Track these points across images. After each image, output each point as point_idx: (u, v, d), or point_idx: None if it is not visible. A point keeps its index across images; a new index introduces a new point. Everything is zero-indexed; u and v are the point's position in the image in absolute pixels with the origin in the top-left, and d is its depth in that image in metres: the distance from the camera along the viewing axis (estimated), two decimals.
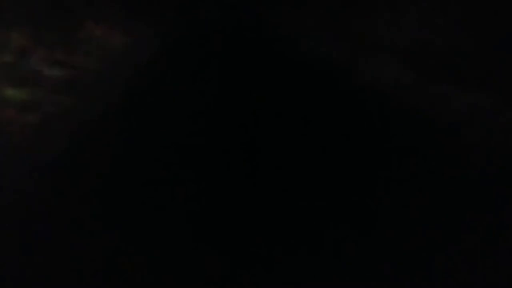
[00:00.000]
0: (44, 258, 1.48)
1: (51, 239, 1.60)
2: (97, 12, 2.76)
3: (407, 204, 1.82)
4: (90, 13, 2.73)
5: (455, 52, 2.25)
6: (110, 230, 1.66)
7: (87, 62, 2.68)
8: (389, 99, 2.56)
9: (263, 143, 2.49)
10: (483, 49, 2.09)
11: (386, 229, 1.66)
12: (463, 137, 2.18)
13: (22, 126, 2.23)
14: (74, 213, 1.79)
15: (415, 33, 2.48)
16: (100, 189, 2.00)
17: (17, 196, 1.91)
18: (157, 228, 1.68)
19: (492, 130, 2.05)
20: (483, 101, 2.13)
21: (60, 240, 1.59)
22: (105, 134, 2.47)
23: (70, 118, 2.32)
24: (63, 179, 2.10)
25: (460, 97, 2.26)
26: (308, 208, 1.82)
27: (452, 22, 2.25)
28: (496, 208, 1.75)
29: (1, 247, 1.55)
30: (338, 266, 1.42)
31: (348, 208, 1.81)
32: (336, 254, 1.48)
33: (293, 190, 1.98)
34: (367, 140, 2.44)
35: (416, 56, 2.48)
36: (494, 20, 2.00)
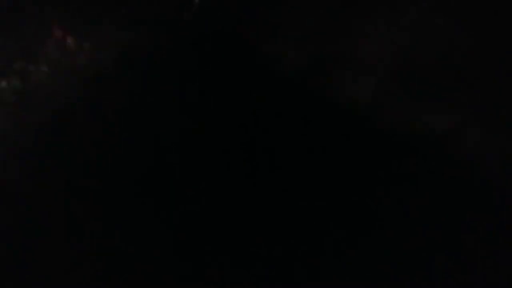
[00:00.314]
0: (43, 258, 1.47)
1: (49, 240, 1.60)
2: (66, 19, 2.55)
3: (392, 216, 1.82)
4: (58, 19, 2.53)
5: (442, 67, 2.26)
6: (109, 231, 1.66)
7: (49, 71, 2.49)
8: (375, 112, 2.57)
9: (250, 146, 2.49)
10: (469, 67, 2.10)
11: (370, 237, 1.66)
12: (446, 154, 2.18)
13: None
14: (73, 213, 1.79)
15: (401, 46, 2.49)
16: (99, 190, 2.00)
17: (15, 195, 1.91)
18: (157, 228, 1.67)
19: (476, 148, 2.04)
20: (469, 120, 2.13)
21: (59, 240, 1.59)
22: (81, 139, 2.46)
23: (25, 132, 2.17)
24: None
25: (446, 115, 2.27)
26: (307, 209, 1.82)
27: (440, 33, 2.25)
28: (479, 221, 1.74)
29: (1, 247, 1.55)
30: (338, 266, 1.42)
31: (336, 212, 1.81)
32: (336, 254, 1.48)
33: (289, 192, 1.98)
34: (355, 149, 2.44)
35: (402, 71, 2.49)
36: (481, 36, 2.00)
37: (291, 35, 3.20)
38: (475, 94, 2.20)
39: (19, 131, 2.21)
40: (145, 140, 2.54)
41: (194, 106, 2.86)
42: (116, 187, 2.02)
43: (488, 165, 2.03)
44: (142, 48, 2.80)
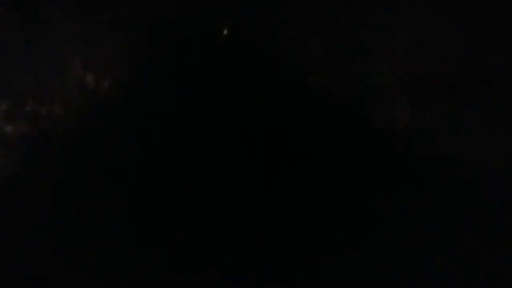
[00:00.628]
0: (44, 258, 1.48)
1: (50, 240, 1.60)
2: (85, 52, 2.33)
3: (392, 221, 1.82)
4: (77, 52, 2.32)
5: (442, 67, 2.26)
6: (110, 231, 1.66)
7: (64, 112, 2.29)
8: (375, 112, 2.56)
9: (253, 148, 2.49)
10: (470, 67, 2.10)
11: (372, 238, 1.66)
12: (447, 154, 2.17)
13: None
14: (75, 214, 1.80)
15: (402, 46, 2.49)
16: (99, 191, 2.00)
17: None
18: (156, 228, 1.68)
19: (477, 148, 2.04)
20: (470, 120, 2.13)
21: (60, 240, 1.59)
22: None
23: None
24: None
25: (446, 115, 2.26)
26: (308, 208, 1.82)
27: (440, 33, 2.25)
28: (478, 222, 1.73)
29: (2, 247, 1.55)
30: (338, 266, 1.42)
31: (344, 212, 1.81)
32: (336, 254, 1.48)
33: (289, 192, 1.98)
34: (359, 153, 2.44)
35: (403, 71, 2.49)
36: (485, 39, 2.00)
37: (292, 35, 3.20)
38: (477, 96, 2.20)
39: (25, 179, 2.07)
40: (147, 139, 2.54)
41: (195, 108, 2.86)
42: (116, 187, 2.02)
43: (488, 165, 2.02)
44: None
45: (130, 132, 2.65)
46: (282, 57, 3.30)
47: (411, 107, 2.58)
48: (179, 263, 1.44)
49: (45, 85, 2.45)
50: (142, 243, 1.57)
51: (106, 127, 2.57)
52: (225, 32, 2.74)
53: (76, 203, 1.87)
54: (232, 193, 1.96)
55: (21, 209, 1.81)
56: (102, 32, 2.85)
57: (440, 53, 2.37)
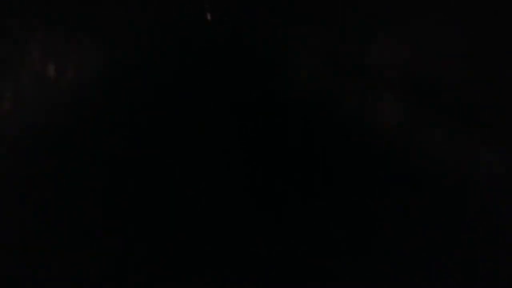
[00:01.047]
0: (44, 259, 1.48)
1: (50, 240, 1.60)
2: (39, 41, 2.20)
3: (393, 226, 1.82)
4: (32, 41, 2.20)
5: (441, 80, 2.26)
6: (110, 232, 1.66)
7: (65, 113, 2.25)
8: (375, 117, 2.55)
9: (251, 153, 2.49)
10: (471, 82, 2.10)
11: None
12: (447, 159, 2.16)
13: None
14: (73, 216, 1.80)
15: (409, 62, 2.49)
16: (99, 191, 2.00)
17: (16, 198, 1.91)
18: (156, 228, 1.68)
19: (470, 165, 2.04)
20: (470, 119, 2.13)
21: (60, 241, 1.59)
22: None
23: None
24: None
25: (446, 127, 2.26)
26: (308, 208, 1.82)
27: (446, 52, 2.25)
28: (477, 223, 1.75)
29: (3, 248, 1.55)
30: (338, 266, 1.42)
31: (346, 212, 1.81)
32: (336, 254, 1.49)
33: (289, 192, 1.98)
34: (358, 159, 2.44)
35: (402, 80, 2.49)
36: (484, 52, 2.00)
37: (292, 35, 3.20)
38: (477, 96, 2.20)
39: None
40: (146, 139, 2.54)
41: (195, 108, 2.86)
42: (116, 186, 2.02)
43: (488, 165, 2.03)
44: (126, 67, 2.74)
45: (130, 132, 2.65)
46: (282, 57, 3.30)
47: (410, 108, 2.59)
48: (179, 263, 1.44)
49: (44, 85, 2.47)
50: (142, 243, 1.57)
51: (106, 127, 2.57)
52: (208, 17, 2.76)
53: (76, 203, 1.87)
54: (232, 193, 1.96)
55: (21, 209, 1.81)
56: (102, 33, 2.86)
57: (440, 53, 2.37)
